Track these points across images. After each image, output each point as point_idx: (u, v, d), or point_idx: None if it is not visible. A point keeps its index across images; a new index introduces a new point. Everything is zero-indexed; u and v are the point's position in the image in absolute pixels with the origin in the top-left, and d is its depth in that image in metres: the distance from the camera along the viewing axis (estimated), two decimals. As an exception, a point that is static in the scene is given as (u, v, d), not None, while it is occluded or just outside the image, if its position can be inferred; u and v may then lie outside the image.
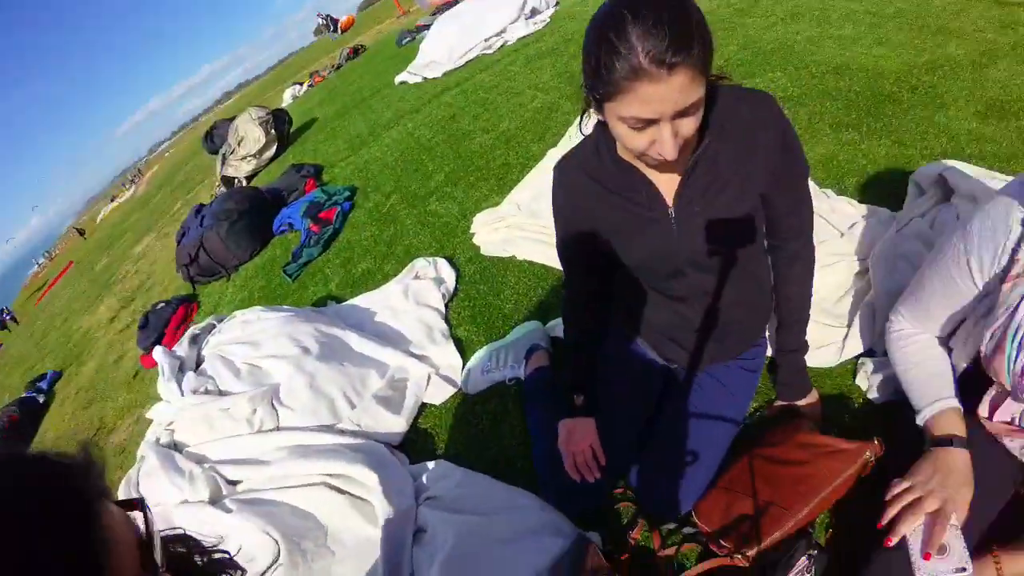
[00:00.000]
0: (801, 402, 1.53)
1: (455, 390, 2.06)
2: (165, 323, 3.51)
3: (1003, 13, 3.40)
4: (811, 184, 2.28)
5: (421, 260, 2.76)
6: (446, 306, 2.50)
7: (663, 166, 1.15)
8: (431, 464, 1.79)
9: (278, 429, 1.91)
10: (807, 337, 1.51)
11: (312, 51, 31.42)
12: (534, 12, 6.00)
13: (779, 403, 1.55)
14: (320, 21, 20.39)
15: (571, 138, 3.16)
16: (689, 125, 0.98)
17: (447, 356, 2.19)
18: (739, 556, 1.25)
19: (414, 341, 2.30)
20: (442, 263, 2.71)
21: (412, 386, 2.05)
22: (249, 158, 5.71)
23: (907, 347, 1.25)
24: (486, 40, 5.81)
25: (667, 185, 1.21)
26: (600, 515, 1.55)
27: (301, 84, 10.52)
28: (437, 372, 2.11)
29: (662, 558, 1.36)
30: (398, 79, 6.25)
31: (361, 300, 2.68)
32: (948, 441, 1.09)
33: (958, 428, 1.11)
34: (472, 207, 3.16)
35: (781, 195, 1.25)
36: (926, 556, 0.99)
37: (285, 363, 2.01)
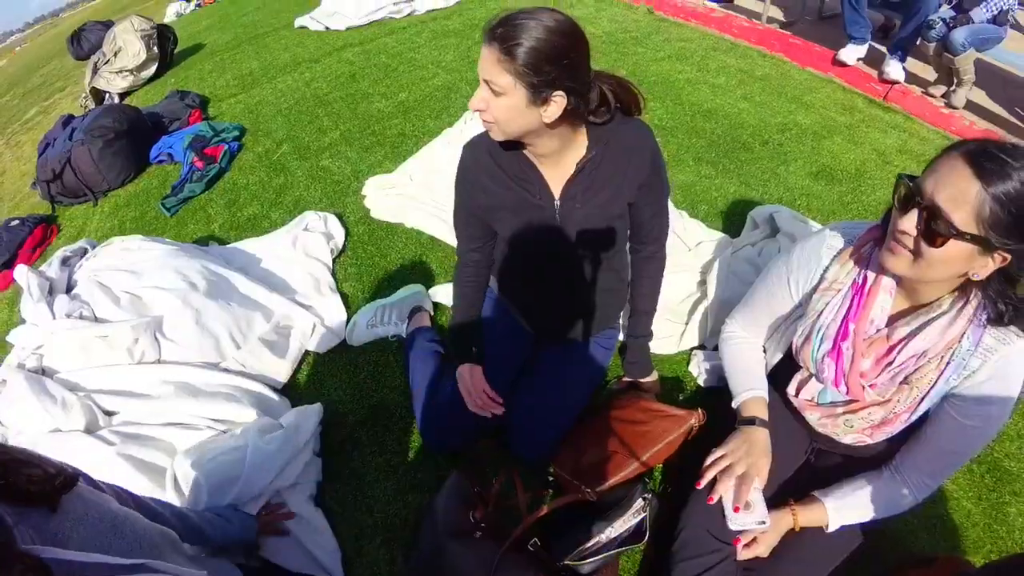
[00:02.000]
0: (644, 380, 1.85)
1: (339, 341, 2.18)
2: (19, 243, 3.22)
3: (845, 98, 4.03)
4: (670, 204, 2.67)
5: (311, 213, 2.79)
6: (334, 261, 2.59)
7: (548, 165, 1.45)
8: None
9: (160, 362, 1.89)
10: (653, 328, 1.82)
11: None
12: (447, -14, 6.01)
13: (626, 379, 1.86)
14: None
15: (466, 122, 3.30)
16: (495, 102, 1.24)
17: (332, 309, 2.28)
18: (588, 491, 1.51)
19: (300, 291, 2.36)
20: (332, 219, 2.77)
21: (297, 333, 2.13)
22: (125, 73, 5.21)
23: (734, 347, 1.57)
24: (395, 4, 5.71)
25: (556, 182, 1.46)
26: (469, 459, 1.79)
27: (188, 1, 9.65)
28: (322, 322, 2.20)
29: (523, 499, 1.59)
30: (298, 22, 6.00)
31: (247, 244, 2.67)
32: (752, 421, 1.40)
33: (762, 412, 1.43)
34: (365, 170, 3.22)
35: (646, 205, 1.54)
36: (735, 509, 1.27)
37: (170, 296, 1.98)
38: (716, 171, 3.10)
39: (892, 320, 1.22)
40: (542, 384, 1.76)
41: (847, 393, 1.30)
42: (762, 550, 1.31)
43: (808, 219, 2.58)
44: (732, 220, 2.76)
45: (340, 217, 2.84)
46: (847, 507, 1.34)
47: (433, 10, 5.77)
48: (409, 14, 5.76)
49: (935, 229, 0.99)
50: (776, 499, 1.40)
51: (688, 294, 2.29)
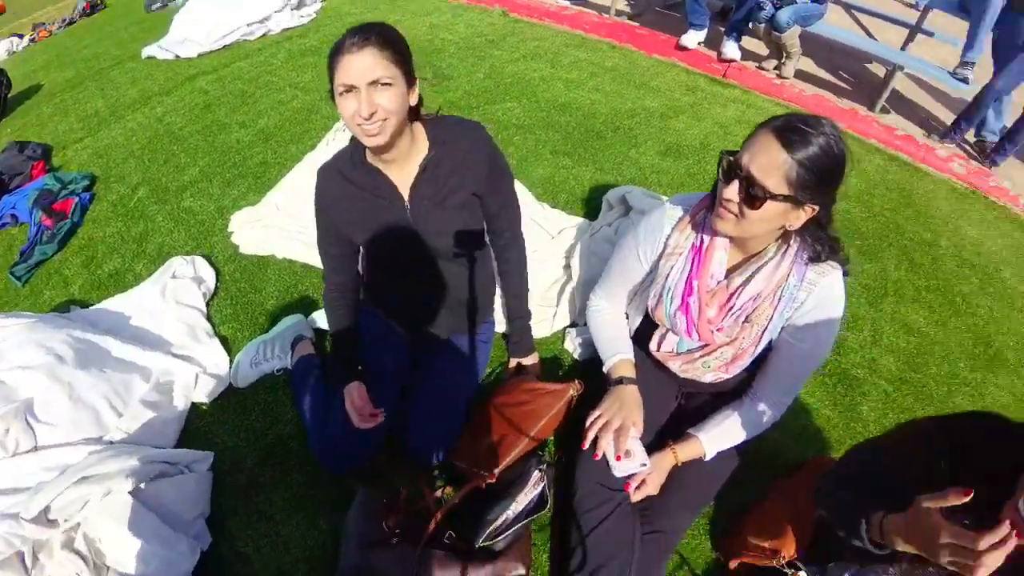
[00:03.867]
0: (526, 360, 2.00)
1: (225, 386, 2.17)
2: None
3: (688, 79, 4.36)
4: (530, 197, 2.83)
5: (178, 259, 2.70)
6: (207, 305, 2.53)
7: (395, 170, 1.57)
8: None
9: (36, 449, 1.79)
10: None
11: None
12: (301, 3, 5.83)
13: (511, 362, 2.02)
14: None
15: (328, 144, 3.32)
16: (385, 95, 1.38)
17: (213, 354, 2.26)
18: (487, 475, 1.64)
19: (176, 342, 2.30)
20: (200, 261, 2.70)
21: (179, 387, 2.09)
22: (-50, 128, 4.79)
23: (599, 318, 1.77)
24: (248, 25, 5.49)
25: (403, 184, 1.59)
26: (371, 475, 1.86)
27: (21, 36, 8.78)
28: (204, 371, 2.17)
29: (432, 498, 1.69)
30: (145, 52, 5.65)
31: (112, 303, 2.55)
32: (621, 381, 1.61)
33: (630, 372, 1.64)
34: (229, 205, 3.15)
35: (492, 197, 1.68)
36: (618, 458, 1.46)
37: (36, 373, 1.87)
38: (573, 161, 3.30)
39: (729, 272, 1.43)
40: (431, 385, 1.86)
41: (700, 340, 1.53)
42: (651, 489, 1.51)
43: (659, 195, 2.82)
44: (591, 205, 2.97)
45: (208, 258, 2.78)
46: (718, 436, 1.56)
47: (288, 29, 5.63)
48: (263, 35, 5.58)
49: (753, 194, 1.20)
50: (657, 443, 1.61)
51: (555, 279, 2.47)
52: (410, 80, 1.44)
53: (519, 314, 1.97)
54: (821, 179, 1.19)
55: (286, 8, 5.72)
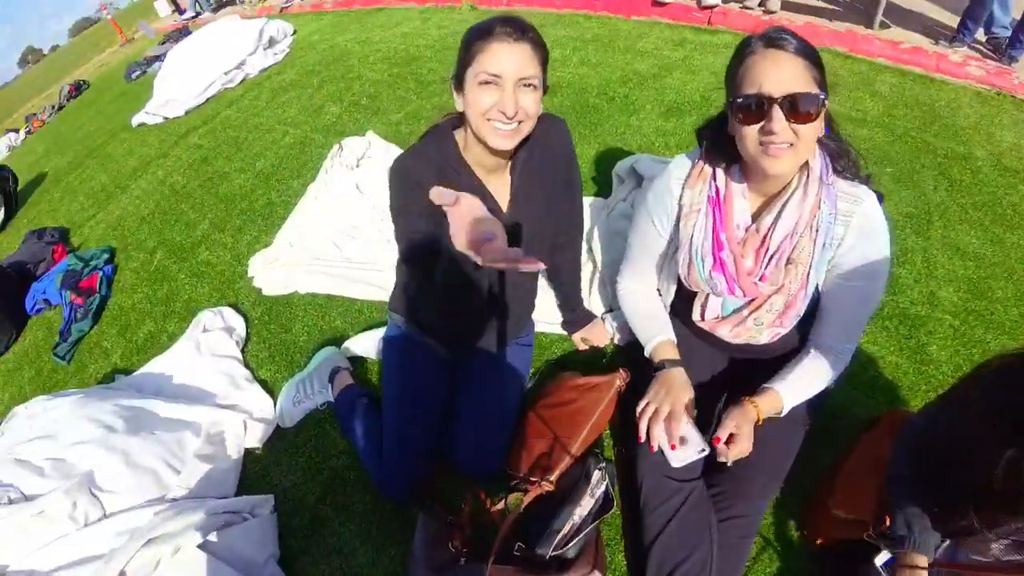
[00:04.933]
0: (588, 333, 2.07)
1: (273, 428, 2.19)
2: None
3: (674, 34, 4.27)
4: None
5: (206, 312, 2.74)
6: (242, 352, 2.56)
7: (490, 174, 1.48)
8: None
9: (106, 517, 1.81)
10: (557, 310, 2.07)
11: (20, 89, 26.63)
12: (272, 42, 5.91)
13: (576, 339, 2.07)
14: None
15: (327, 172, 3.34)
16: (531, 98, 1.31)
17: (256, 399, 2.27)
18: (545, 482, 1.59)
19: (219, 393, 2.33)
20: (228, 311, 2.74)
21: (231, 436, 2.11)
22: (-31, 229, 4.93)
23: (630, 299, 1.69)
24: (226, 73, 5.60)
25: (499, 191, 1.51)
26: (431, 498, 1.82)
27: (17, 131, 9.02)
28: (251, 416, 2.19)
29: (495, 512, 1.65)
30: (135, 120, 5.78)
31: (152, 366, 2.60)
32: (663, 365, 1.50)
33: (672, 353, 1.53)
34: (245, 251, 3.17)
35: (567, 200, 1.66)
36: (672, 447, 1.37)
37: (93, 447, 1.92)
38: (573, 140, 3.24)
39: (755, 217, 1.35)
40: (477, 397, 1.79)
41: (745, 295, 1.42)
42: (745, 445, 1.35)
43: (669, 159, 2.73)
44: (601, 182, 2.91)
45: (235, 306, 2.81)
46: (793, 387, 1.41)
47: (265, 69, 5.70)
48: (243, 80, 5.67)
49: (804, 110, 1.13)
50: (723, 406, 1.53)
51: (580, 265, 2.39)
52: (544, 83, 1.36)
53: (574, 303, 2.01)
54: (822, 66, 1.18)
55: (259, 49, 5.79)
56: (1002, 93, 3.49)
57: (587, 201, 2.70)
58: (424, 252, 1.41)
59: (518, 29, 1.27)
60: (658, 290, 1.69)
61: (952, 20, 4.25)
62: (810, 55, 1.16)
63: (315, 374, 2.23)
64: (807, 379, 1.43)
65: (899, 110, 3.29)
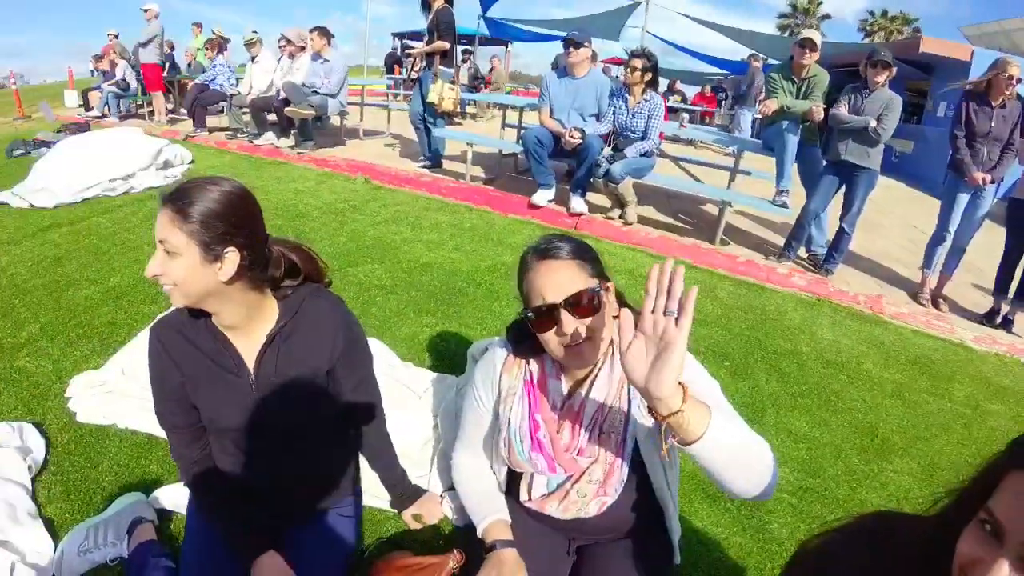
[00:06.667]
0: (419, 510, 1.98)
1: (45, 578, 1.87)
2: None
3: (543, 233, 4.76)
4: (395, 357, 2.85)
5: (3, 425, 2.39)
6: (33, 480, 2.22)
7: (239, 336, 1.49)
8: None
9: None
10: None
11: None
12: (167, 164, 5.91)
13: (406, 517, 1.97)
14: None
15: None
16: (171, 264, 1.31)
17: (34, 540, 1.94)
18: None
19: (-9, 524, 2.00)
20: (29, 430, 2.41)
21: None
22: None
23: (463, 475, 1.70)
24: (111, 180, 5.44)
25: (249, 353, 1.51)
26: None
27: None
28: (23, 559, 1.86)
29: None
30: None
31: None
32: (494, 546, 1.50)
33: (504, 534, 1.52)
34: (70, 367, 2.90)
35: (346, 376, 1.64)
36: None
37: None
38: (436, 319, 3.43)
39: (570, 394, 1.45)
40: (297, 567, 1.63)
41: (566, 471, 1.46)
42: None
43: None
44: (456, 360, 3.03)
45: (39, 426, 2.50)
46: (721, 418, 1.10)
47: (152, 188, 5.64)
48: (126, 192, 5.55)
49: (587, 305, 1.25)
50: None
51: (426, 440, 2.39)
52: (212, 251, 1.30)
53: (394, 480, 1.93)
54: (596, 259, 1.35)
55: (152, 167, 5.77)
56: (821, 299, 4.37)
57: (439, 377, 2.80)
58: (174, 421, 1.58)
59: (168, 196, 1.33)
60: (493, 469, 1.71)
61: (779, 240, 5.37)
62: (580, 254, 1.30)
63: (112, 521, 1.95)
64: (735, 424, 1.22)
65: (735, 312, 3.88)
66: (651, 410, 1.03)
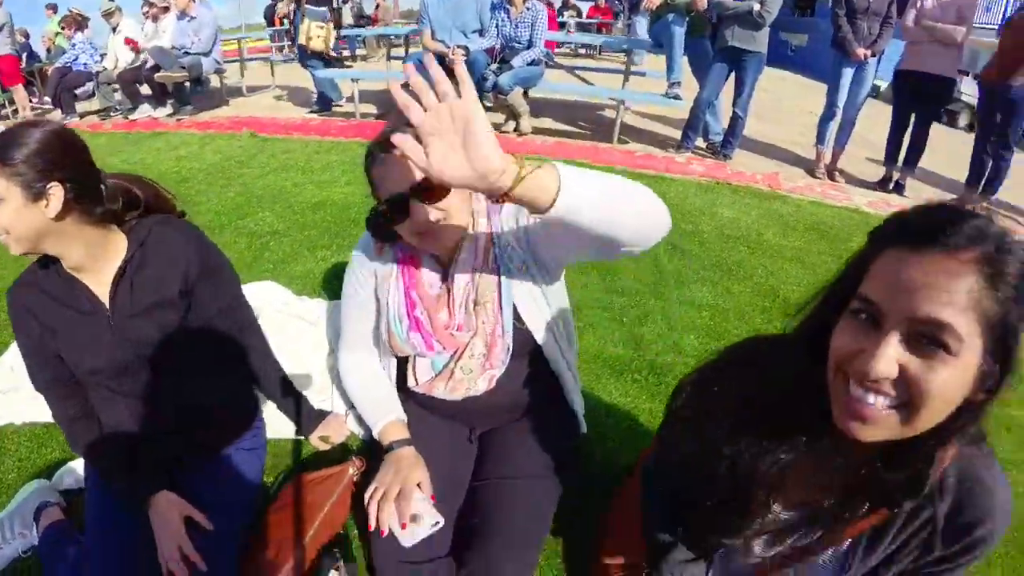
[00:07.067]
0: (326, 431, 1.93)
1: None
2: None
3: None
4: (289, 294, 2.78)
5: None
6: None
7: (90, 276, 1.45)
8: None
9: None
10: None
11: None
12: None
13: (313, 440, 1.91)
14: None
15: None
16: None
17: None
18: None
19: None
20: None
21: None
22: None
23: (352, 380, 1.65)
24: None
25: (104, 293, 1.45)
26: None
27: None
28: None
29: None
30: None
31: None
32: (390, 447, 1.47)
33: (401, 434, 1.50)
34: None
35: (211, 300, 1.57)
36: (403, 526, 1.31)
37: None
38: (331, 252, 3.36)
39: (443, 270, 1.43)
40: (204, 509, 1.55)
41: (445, 348, 1.44)
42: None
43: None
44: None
45: None
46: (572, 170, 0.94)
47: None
48: None
49: (433, 190, 1.13)
50: (469, 496, 1.50)
51: (324, 366, 2.36)
52: (33, 190, 1.25)
53: (292, 405, 1.86)
54: None
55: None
56: (720, 182, 4.51)
57: (333, 304, 2.70)
58: (47, 381, 1.54)
59: None
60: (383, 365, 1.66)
61: (677, 134, 5.46)
62: None
63: (16, 513, 1.79)
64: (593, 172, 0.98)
65: (636, 204, 3.90)
66: (497, 198, 0.88)
